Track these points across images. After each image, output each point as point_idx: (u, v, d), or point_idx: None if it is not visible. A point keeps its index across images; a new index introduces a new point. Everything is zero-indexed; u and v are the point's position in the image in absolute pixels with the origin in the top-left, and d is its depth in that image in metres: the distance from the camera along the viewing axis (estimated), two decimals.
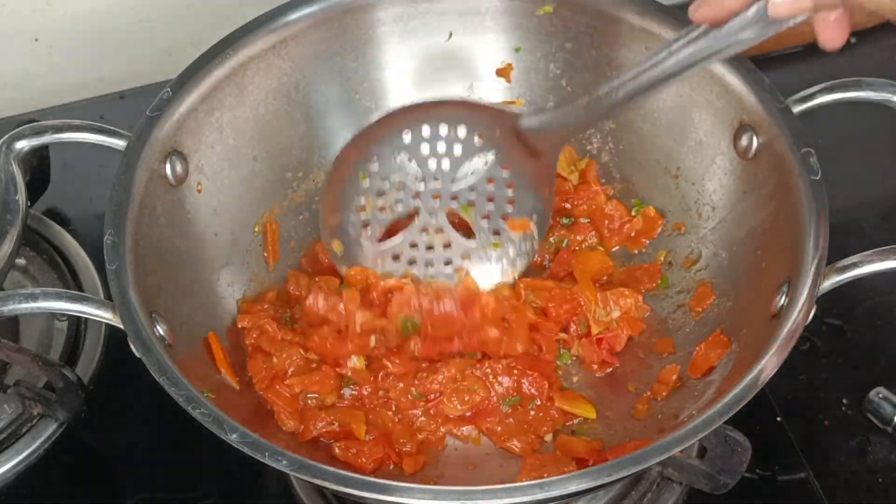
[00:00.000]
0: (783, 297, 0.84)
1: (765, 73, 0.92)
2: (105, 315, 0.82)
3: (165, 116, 0.91)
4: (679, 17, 0.95)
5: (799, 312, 0.81)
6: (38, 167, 1.05)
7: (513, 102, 1.02)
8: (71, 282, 1.04)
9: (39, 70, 1.22)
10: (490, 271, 0.95)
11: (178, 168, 0.92)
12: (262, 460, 0.76)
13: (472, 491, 0.76)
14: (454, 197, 0.95)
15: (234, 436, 0.77)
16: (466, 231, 0.96)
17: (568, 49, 1.01)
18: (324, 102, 1.01)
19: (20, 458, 0.95)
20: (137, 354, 0.80)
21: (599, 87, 0.87)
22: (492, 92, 1.03)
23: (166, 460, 0.96)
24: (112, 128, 0.91)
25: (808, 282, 0.82)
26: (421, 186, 0.95)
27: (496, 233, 0.95)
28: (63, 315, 1.01)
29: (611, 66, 0.99)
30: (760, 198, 0.91)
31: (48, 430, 0.96)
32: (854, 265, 0.83)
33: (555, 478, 0.75)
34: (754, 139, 0.92)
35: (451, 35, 1.01)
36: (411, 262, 0.95)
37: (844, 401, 0.97)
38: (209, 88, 0.94)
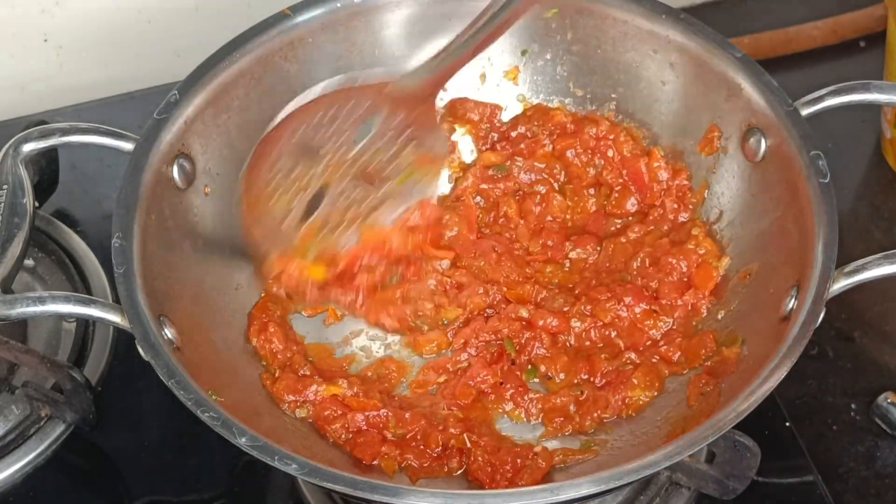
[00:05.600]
0: (792, 301, 0.84)
1: (773, 76, 0.92)
2: (113, 318, 0.82)
3: (173, 119, 0.91)
4: (687, 20, 0.95)
5: (808, 316, 0.81)
6: (47, 168, 1.05)
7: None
8: (79, 283, 1.04)
9: (48, 71, 1.22)
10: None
11: (186, 171, 0.92)
12: (272, 464, 0.76)
13: (482, 495, 0.76)
14: (360, 158, 0.92)
15: (244, 439, 0.77)
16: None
17: (575, 52, 1.01)
18: None
19: (28, 459, 0.95)
20: (146, 358, 0.80)
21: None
22: (498, 95, 1.03)
23: (174, 462, 0.96)
24: (119, 130, 0.91)
25: (817, 285, 0.82)
26: (328, 161, 0.92)
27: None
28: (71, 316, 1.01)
29: (618, 68, 0.99)
30: (769, 201, 0.91)
31: (56, 432, 0.96)
32: (863, 268, 0.83)
33: (564, 482, 0.75)
34: (762, 142, 0.92)
35: None
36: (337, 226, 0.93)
37: (853, 406, 0.97)
38: (217, 91, 0.94)
